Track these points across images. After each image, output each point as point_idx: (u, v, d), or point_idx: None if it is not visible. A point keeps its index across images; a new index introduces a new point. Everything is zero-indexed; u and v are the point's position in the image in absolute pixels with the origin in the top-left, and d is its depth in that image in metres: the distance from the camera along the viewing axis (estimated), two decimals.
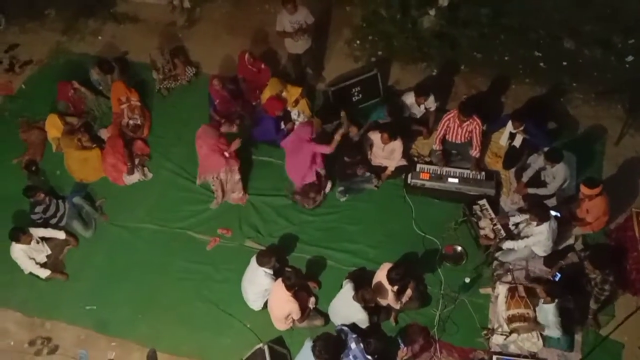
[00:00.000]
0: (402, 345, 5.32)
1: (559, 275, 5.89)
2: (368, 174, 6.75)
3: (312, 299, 5.90)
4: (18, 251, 6.15)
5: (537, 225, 5.75)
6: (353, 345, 5.19)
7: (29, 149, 7.29)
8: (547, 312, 5.36)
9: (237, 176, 6.53)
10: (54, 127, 7.19)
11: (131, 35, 8.58)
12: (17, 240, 6.10)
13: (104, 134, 7.32)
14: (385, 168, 6.77)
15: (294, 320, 5.75)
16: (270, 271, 5.73)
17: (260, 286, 5.75)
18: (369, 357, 5.11)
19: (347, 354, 5.21)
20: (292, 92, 7.16)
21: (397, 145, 6.57)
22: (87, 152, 6.99)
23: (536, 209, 5.79)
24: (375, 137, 6.61)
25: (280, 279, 5.57)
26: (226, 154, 6.24)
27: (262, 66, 7.48)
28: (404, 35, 8.14)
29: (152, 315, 6.13)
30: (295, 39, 7.11)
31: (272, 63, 7.81)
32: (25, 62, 8.37)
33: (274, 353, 5.59)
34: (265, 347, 5.54)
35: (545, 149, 6.27)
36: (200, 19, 8.75)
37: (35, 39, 8.68)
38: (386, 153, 6.67)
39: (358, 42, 8.30)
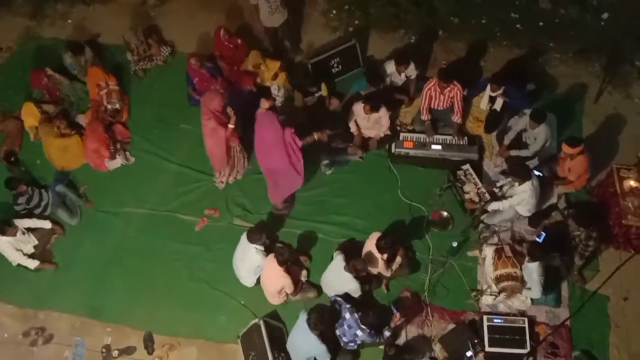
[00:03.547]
0: (395, 312, 5.42)
1: (544, 234, 6.01)
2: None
3: (304, 272, 5.95)
4: (4, 244, 6.08)
5: (520, 184, 5.83)
6: (347, 316, 5.27)
7: (6, 139, 7.13)
8: (532, 270, 5.45)
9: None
10: (30, 115, 7.04)
11: (102, 17, 8.33)
12: (3, 233, 6.02)
13: (82, 119, 7.17)
14: (369, 139, 6.78)
15: (287, 294, 5.81)
16: (261, 247, 5.75)
17: (252, 263, 5.78)
18: (364, 326, 5.21)
19: (342, 324, 5.31)
20: (271, 66, 7.09)
21: (382, 113, 6.55)
22: (67, 140, 6.87)
23: (517, 170, 5.86)
24: (358, 108, 6.59)
25: (272, 255, 5.60)
26: (230, 125, 6.16)
27: (239, 42, 7.35)
28: (380, 3, 8.05)
29: (146, 299, 6.13)
30: (270, 12, 6.99)
31: (249, 38, 7.67)
32: None
33: (270, 327, 5.66)
34: (261, 322, 5.61)
35: (526, 110, 6.33)
36: None
37: (2, 25, 8.39)
38: (371, 123, 6.66)
39: (334, 12, 8.18)
